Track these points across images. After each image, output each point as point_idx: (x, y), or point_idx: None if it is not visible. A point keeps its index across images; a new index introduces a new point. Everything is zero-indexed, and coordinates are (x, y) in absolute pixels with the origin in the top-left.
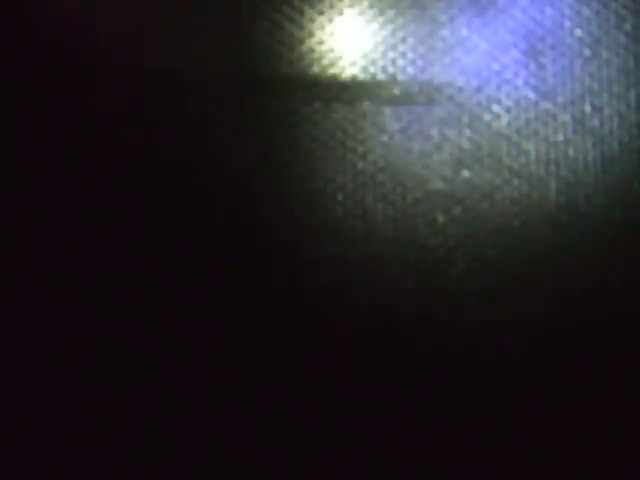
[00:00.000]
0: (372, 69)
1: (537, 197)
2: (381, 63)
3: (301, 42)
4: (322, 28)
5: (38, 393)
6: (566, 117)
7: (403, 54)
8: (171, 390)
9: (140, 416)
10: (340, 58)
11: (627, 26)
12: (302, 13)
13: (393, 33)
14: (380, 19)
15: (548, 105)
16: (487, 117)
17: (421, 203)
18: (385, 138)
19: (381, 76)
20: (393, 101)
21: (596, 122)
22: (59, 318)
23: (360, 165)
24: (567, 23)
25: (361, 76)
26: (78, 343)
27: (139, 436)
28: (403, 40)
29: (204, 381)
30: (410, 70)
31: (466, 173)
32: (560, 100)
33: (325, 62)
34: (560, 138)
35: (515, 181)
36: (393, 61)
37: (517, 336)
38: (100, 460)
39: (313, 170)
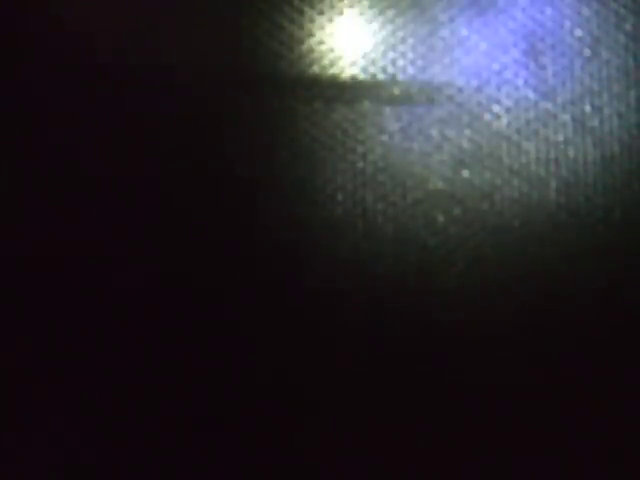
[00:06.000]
0: (372, 69)
1: (537, 197)
2: (381, 63)
3: (301, 42)
4: (322, 28)
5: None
6: (566, 117)
7: (403, 54)
8: (170, 387)
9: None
10: (340, 58)
11: (627, 26)
12: (302, 13)
13: (393, 33)
14: (380, 19)
15: (548, 105)
16: (487, 117)
17: (421, 203)
18: (385, 138)
19: (381, 76)
20: (393, 101)
21: (596, 122)
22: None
23: (360, 165)
24: (567, 23)
25: (361, 76)
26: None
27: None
28: (403, 40)
29: (202, 380)
30: (410, 70)
31: (466, 173)
32: (560, 100)
33: (325, 62)
34: (560, 138)
35: (515, 181)
36: (393, 61)
37: (517, 336)
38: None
39: (313, 170)
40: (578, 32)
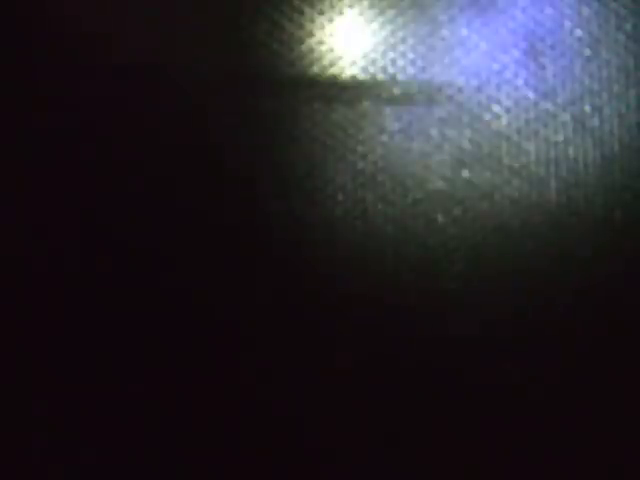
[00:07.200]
0: (372, 69)
1: (537, 197)
2: (381, 63)
3: (301, 42)
4: (322, 28)
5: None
6: (566, 117)
7: (403, 54)
8: (168, 387)
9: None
10: (340, 58)
11: (627, 26)
12: (302, 13)
13: (393, 33)
14: (380, 19)
15: (548, 105)
16: (487, 117)
17: (421, 203)
18: (385, 138)
19: (381, 76)
20: (393, 101)
21: (596, 122)
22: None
23: (360, 165)
24: (567, 23)
25: (361, 76)
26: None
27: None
28: (403, 40)
29: (203, 380)
30: (410, 70)
31: (466, 173)
32: (560, 100)
33: (325, 62)
34: (560, 138)
35: (515, 181)
36: (393, 61)
37: (517, 336)
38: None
39: (313, 170)
40: (578, 32)
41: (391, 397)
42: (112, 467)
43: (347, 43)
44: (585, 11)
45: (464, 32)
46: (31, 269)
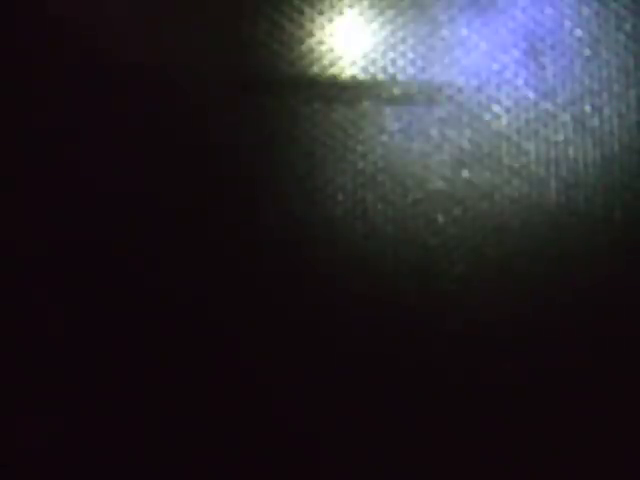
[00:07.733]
0: (372, 69)
1: (537, 197)
2: (381, 63)
3: (301, 42)
4: (322, 28)
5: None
6: (566, 117)
7: (403, 54)
8: (168, 387)
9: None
10: (340, 58)
11: (627, 26)
12: (302, 13)
13: (393, 33)
14: (380, 19)
15: (548, 105)
16: (487, 117)
17: (421, 203)
18: (385, 138)
19: (381, 76)
20: (393, 101)
21: (596, 122)
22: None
23: (360, 165)
24: (567, 23)
25: (361, 76)
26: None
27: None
28: (403, 40)
29: (203, 380)
30: (410, 70)
31: (466, 173)
32: (560, 100)
33: (325, 62)
34: (560, 138)
35: (515, 181)
36: (393, 61)
37: (517, 336)
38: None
39: (313, 170)
40: (578, 32)
41: (391, 397)
42: (112, 467)
43: (347, 43)
44: (585, 11)
45: (464, 32)
46: (31, 269)
